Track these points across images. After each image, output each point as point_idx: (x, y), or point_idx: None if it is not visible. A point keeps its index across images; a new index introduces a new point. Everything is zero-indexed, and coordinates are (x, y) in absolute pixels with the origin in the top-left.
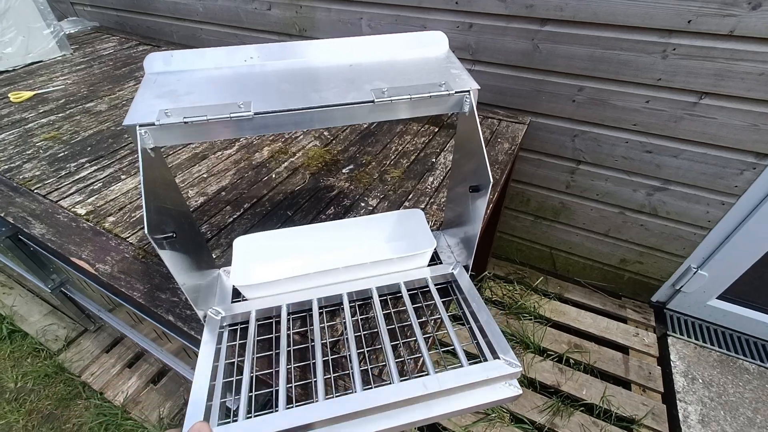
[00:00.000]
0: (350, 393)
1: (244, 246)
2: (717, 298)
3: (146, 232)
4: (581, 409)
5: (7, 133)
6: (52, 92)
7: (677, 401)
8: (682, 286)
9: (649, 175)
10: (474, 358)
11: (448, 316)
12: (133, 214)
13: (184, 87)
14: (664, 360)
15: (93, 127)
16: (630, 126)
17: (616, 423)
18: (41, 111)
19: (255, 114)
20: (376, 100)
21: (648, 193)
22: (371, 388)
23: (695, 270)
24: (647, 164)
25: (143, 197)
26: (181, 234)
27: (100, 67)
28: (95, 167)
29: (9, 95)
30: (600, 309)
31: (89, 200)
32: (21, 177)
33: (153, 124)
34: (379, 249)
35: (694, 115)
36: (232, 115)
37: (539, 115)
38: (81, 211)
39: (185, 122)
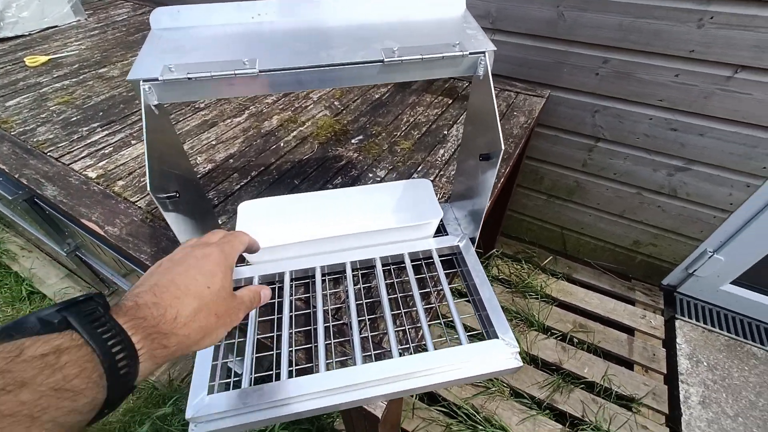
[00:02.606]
0: (350, 366)
1: (249, 211)
2: (731, 283)
3: (149, 189)
4: (582, 386)
5: (23, 97)
6: (67, 57)
7: (679, 383)
8: (695, 270)
9: (672, 155)
10: (474, 330)
11: (452, 288)
12: (142, 179)
13: (191, 43)
14: (669, 342)
15: (105, 92)
16: (656, 102)
17: (615, 401)
18: (55, 75)
19: (260, 72)
20: (385, 60)
21: (669, 174)
22: (370, 354)
23: (711, 254)
24: (671, 143)
25: (146, 155)
26: (186, 195)
27: (114, 33)
28: (106, 132)
29: (25, 59)
30: (608, 290)
31: (100, 164)
32: (35, 140)
33: (156, 80)
34: (385, 218)
35: (728, 90)
36: (236, 72)
37: (559, 89)
38: (92, 174)
39: (189, 78)
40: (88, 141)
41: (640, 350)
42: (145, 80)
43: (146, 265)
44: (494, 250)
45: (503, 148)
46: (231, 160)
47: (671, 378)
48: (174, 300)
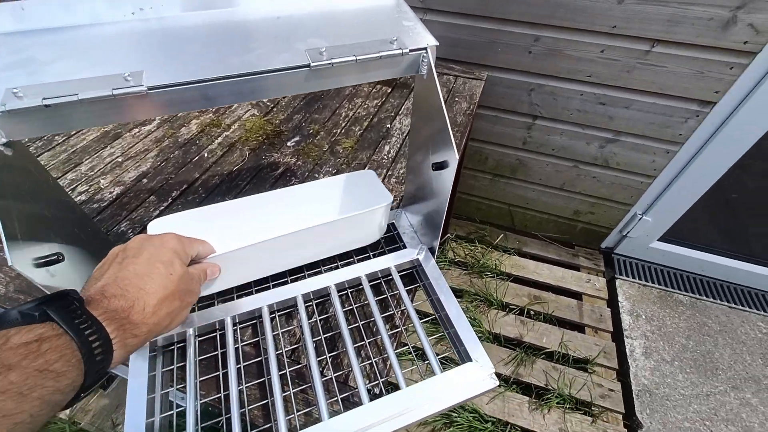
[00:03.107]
0: (316, 421)
1: (160, 230)
2: (658, 240)
3: (9, 263)
4: (542, 356)
5: None
6: None
7: (624, 338)
8: (628, 232)
9: (602, 128)
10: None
11: (416, 307)
12: None
13: (45, 53)
14: (612, 302)
15: None
16: (585, 78)
17: (573, 365)
18: None
19: (149, 89)
20: (312, 64)
21: (600, 146)
22: (337, 399)
23: (640, 216)
24: (601, 116)
25: None
26: (76, 251)
27: None
28: None
29: None
30: (556, 260)
31: None
32: None
33: None
34: (328, 217)
35: (646, 63)
36: (115, 91)
37: (495, 69)
38: None
39: (46, 105)
40: None
41: (588, 313)
42: None
43: None
44: (448, 235)
45: (458, 157)
46: (144, 180)
47: (617, 335)
48: (139, 291)
